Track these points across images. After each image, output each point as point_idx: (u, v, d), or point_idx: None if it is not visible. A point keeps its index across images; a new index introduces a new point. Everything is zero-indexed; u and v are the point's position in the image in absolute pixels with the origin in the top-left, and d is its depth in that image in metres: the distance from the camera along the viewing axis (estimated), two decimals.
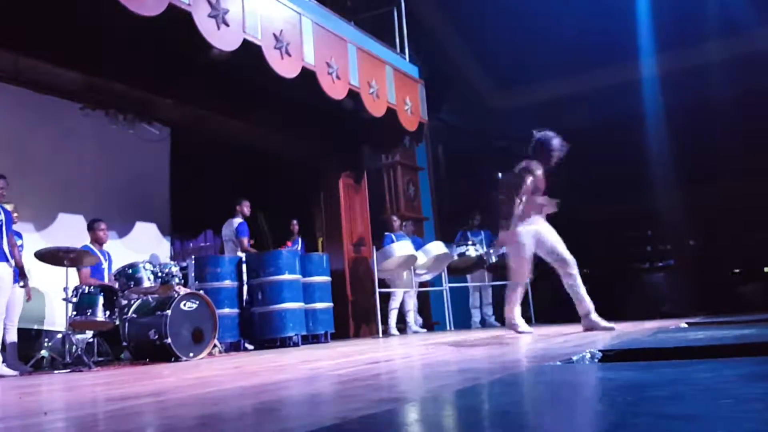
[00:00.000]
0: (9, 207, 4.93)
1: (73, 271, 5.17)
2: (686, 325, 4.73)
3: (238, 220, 6.86)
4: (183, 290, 5.24)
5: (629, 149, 10.39)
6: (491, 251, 8.26)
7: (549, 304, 10.17)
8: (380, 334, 7.43)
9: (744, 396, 1.37)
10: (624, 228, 11.46)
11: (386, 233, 7.92)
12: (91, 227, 5.72)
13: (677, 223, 10.76)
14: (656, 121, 10.31)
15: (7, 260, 4.62)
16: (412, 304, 8.03)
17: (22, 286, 5.12)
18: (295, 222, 7.91)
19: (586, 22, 9.19)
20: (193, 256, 6.11)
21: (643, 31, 9.85)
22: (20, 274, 5.02)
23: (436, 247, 7.89)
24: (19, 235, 5.28)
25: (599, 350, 2.54)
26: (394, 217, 8.22)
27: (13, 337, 5.10)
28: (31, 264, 5.38)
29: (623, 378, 1.78)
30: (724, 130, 9.41)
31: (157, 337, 4.74)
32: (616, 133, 10.38)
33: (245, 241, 6.77)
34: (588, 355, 2.45)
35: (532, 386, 1.83)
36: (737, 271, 10.47)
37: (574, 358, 2.39)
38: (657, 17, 9.63)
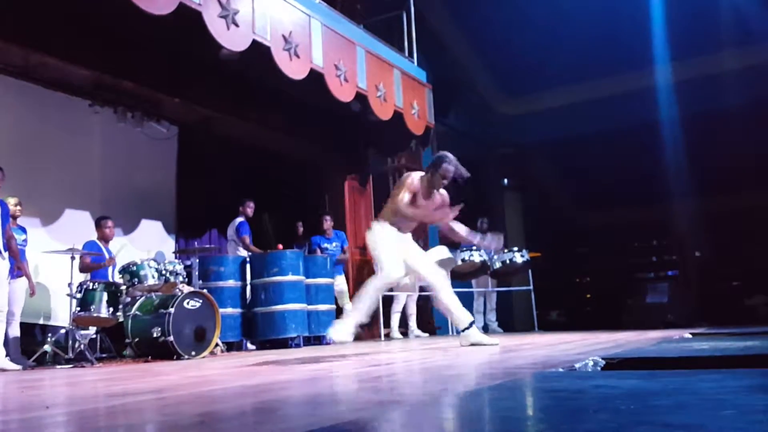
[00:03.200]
0: (12, 200, 4.93)
1: (77, 265, 5.15)
2: (690, 336, 4.71)
3: (239, 219, 6.88)
4: (186, 289, 5.24)
5: (636, 159, 10.35)
6: (495, 257, 8.24)
7: (553, 311, 10.16)
8: (382, 337, 7.41)
9: (747, 407, 1.36)
10: (630, 237, 11.42)
11: None
12: (99, 224, 5.74)
13: (684, 233, 10.71)
14: (665, 130, 10.27)
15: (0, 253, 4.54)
16: (413, 308, 8.01)
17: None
18: (300, 224, 7.91)
19: (596, 31, 9.17)
20: (197, 255, 6.11)
21: (656, 39, 9.80)
22: (16, 267, 4.94)
23: (440, 252, 7.86)
24: (23, 230, 5.28)
25: (602, 358, 2.53)
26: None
27: (15, 331, 5.11)
28: (36, 259, 5.39)
29: (626, 386, 1.77)
30: (736, 140, 9.35)
31: (159, 334, 4.75)
32: (624, 142, 10.34)
33: (247, 239, 6.77)
34: (591, 363, 2.44)
35: (534, 392, 1.82)
36: (742, 283, 10.40)
37: (577, 365, 2.38)
38: (670, 26, 9.58)
